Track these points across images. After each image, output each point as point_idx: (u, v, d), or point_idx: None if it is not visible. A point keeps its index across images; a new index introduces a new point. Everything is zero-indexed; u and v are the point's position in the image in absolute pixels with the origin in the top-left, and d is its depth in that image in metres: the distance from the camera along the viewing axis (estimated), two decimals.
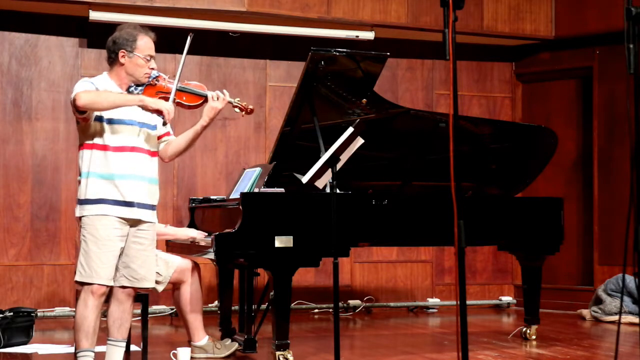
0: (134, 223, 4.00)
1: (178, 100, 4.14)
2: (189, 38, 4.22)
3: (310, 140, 4.93)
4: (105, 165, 3.93)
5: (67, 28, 7.24)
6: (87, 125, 3.96)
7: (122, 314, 4.07)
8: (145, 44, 4.05)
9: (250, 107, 4.46)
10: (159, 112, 3.97)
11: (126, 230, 3.98)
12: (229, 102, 4.32)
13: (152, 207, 4.07)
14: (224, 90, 4.30)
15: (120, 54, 4.01)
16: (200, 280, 5.12)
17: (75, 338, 3.99)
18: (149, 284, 4.09)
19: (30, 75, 7.16)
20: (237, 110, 4.42)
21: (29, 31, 7.18)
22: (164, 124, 4.10)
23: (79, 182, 4.00)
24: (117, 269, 3.99)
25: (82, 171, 3.99)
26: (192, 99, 4.21)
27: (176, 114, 6.06)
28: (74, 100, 3.84)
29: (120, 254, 3.98)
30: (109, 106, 3.90)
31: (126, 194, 3.95)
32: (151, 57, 4.07)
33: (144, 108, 3.96)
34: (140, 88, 4.07)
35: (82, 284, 3.93)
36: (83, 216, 3.95)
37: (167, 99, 4.07)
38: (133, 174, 3.97)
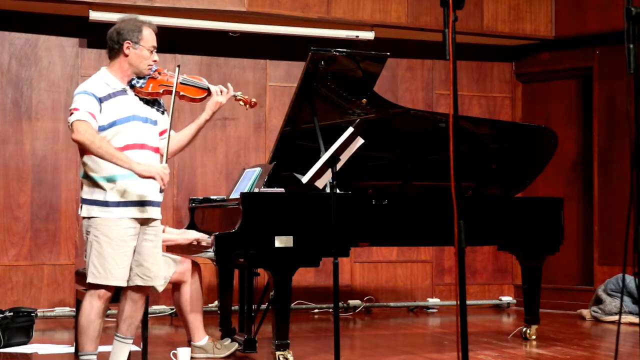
0: (144, 221, 3.97)
1: (182, 94, 4.13)
2: (177, 70, 4.07)
3: (310, 140, 4.93)
4: (113, 166, 3.84)
5: (67, 28, 7.24)
6: None
7: (135, 312, 4.04)
8: (150, 35, 4.02)
9: (254, 100, 4.47)
10: (152, 178, 3.86)
11: (137, 229, 3.95)
12: (233, 96, 4.33)
13: (159, 204, 4.05)
14: (228, 84, 4.31)
15: (125, 45, 3.96)
16: (200, 280, 5.12)
17: (78, 340, 3.95)
18: (160, 280, 4.10)
19: (30, 75, 7.16)
20: (241, 103, 4.44)
21: (29, 31, 7.18)
22: (161, 191, 3.94)
23: (85, 181, 3.92)
24: (130, 268, 3.95)
25: (88, 172, 3.91)
26: (196, 92, 4.21)
27: (176, 110, 6.06)
28: (73, 128, 3.77)
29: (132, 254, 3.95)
30: (98, 155, 3.79)
31: (138, 193, 3.90)
32: (155, 48, 4.04)
33: (138, 175, 3.84)
34: (142, 81, 4.03)
35: (97, 286, 3.87)
36: (92, 217, 3.88)
37: (170, 92, 4.05)
38: None
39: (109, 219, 3.87)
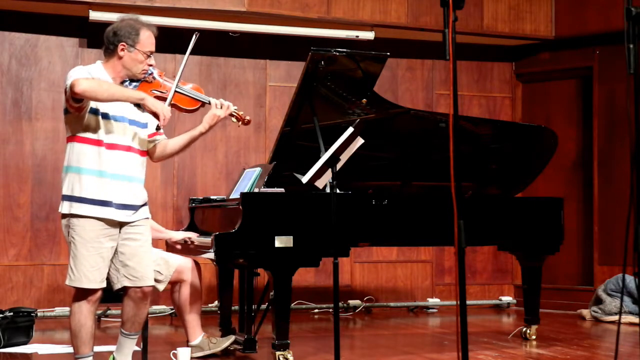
0: (122, 223, 3.88)
1: (174, 103, 4.01)
2: (193, 37, 4.05)
3: (310, 140, 4.93)
4: (97, 162, 3.79)
5: (67, 28, 7.24)
6: (80, 116, 3.79)
7: (138, 311, 3.97)
8: (148, 38, 3.90)
9: (247, 117, 4.33)
10: (155, 115, 3.84)
11: (116, 230, 3.85)
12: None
13: (140, 207, 3.94)
14: (228, 102, 4.19)
15: (120, 47, 3.85)
16: (200, 280, 5.11)
17: (73, 344, 3.91)
18: (149, 281, 3.95)
19: (30, 75, 7.17)
20: (233, 120, 4.28)
21: (29, 31, 7.18)
22: (158, 128, 3.94)
23: (66, 176, 3.84)
24: (116, 269, 3.89)
25: (70, 165, 3.82)
26: (189, 103, 4.09)
27: (175, 114, 6.00)
28: (73, 85, 3.64)
29: (115, 254, 3.87)
30: (108, 98, 3.73)
31: (115, 196, 3.82)
32: (151, 53, 3.92)
33: (143, 106, 3.84)
34: (135, 84, 3.93)
35: (83, 289, 3.81)
36: (71, 214, 3.79)
37: (162, 99, 3.95)
38: (124, 175, 3.84)
39: (84, 219, 3.78)
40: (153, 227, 4.82)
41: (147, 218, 4.02)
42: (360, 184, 5.65)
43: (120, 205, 3.85)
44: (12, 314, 5.54)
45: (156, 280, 4.38)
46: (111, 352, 4.19)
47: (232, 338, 5.10)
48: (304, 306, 7.56)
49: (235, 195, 5.12)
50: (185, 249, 5.19)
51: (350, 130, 4.30)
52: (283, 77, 7.80)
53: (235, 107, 4.29)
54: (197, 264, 5.14)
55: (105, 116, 3.83)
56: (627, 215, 2.80)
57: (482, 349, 5.43)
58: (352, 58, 4.98)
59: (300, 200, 4.78)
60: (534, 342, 5.73)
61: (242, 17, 7.25)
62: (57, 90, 7.16)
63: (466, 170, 5.70)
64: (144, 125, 3.99)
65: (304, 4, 7.36)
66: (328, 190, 4.52)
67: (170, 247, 5.38)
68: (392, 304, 7.94)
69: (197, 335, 5.04)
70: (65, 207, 3.83)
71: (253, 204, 4.68)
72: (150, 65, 3.95)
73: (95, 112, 3.81)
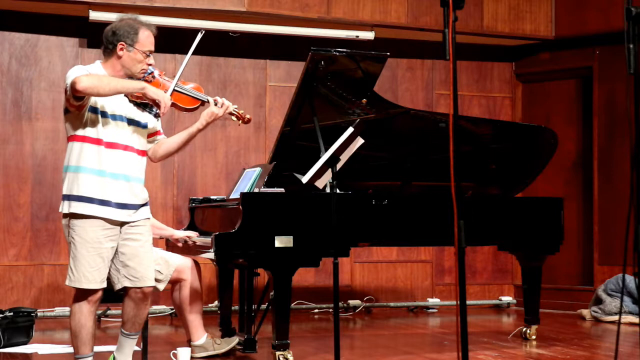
0: (123, 223, 3.88)
1: (174, 102, 4.01)
2: (199, 35, 4.02)
3: (310, 140, 4.93)
4: (97, 161, 3.79)
5: (67, 28, 7.25)
6: (80, 115, 3.79)
7: (138, 312, 3.97)
8: (147, 38, 3.90)
9: (248, 116, 4.33)
10: (156, 103, 3.82)
11: (116, 230, 3.85)
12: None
13: (141, 207, 3.94)
14: (228, 101, 4.18)
15: (119, 47, 3.85)
16: (200, 280, 5.11)
17: (73, 344, 3.91)
18: (150, 282, 3.96)
19: (30, 75, 7.17)
20: (233, 118, 4.28)
21: (29, 31, 7.18)
22: (157, 115, 3.92)
23: (65, 175, 3.84)
24: (117, 269, 3.89)
25: (70, 164, 3.82)
26: (188, 102, 4.08)
27: (175, 114, 5.99)
28: (74, 84, 3.63)
29: (116, 254, 3.87)
30: (110, 91, 3.72)
31: (115, 195, 3.81)
32: (151, 52, 3.92)
33: (144, 95, 3.80)
34: None
35: (83, 289, 3.81)
36: (71, 214, 3.79)
37: None
38: (124, 174, 3.84)
39: (84, 219, 3.78)
40: (154, 225, 4.83)
41: (148, 218, 4.02)
42: (360, 184, 5.65)
43: (120, 205, 3.85)
44: (12, 314, 5.54)
45: (156, 280, 4.38)
46: (111, 352, 4.19)
47: (236, 339, 5.10)
48: (304, 306, 7.57)
49: (235, 195, 5.12)
50: (186, 248, 5.19)
51: (350, 130, 4.30)
52: (283, 77, 7.80)
53: (235, 106, 4.28)
54: (197, 263, 5.14)
55: (104, 115, 3.83)
56: (627, 215, 2.80)
57: (482, 349, 5.43)
58: (352, 58, 4.98)
59: (300, 200, 4.78)
60: (534, 342, 5.73)
61: (242, 17, 7.25)
62: (57, 90, 7.16)
63: (466, 170, 5.70)
64: (144, 125, 3.98)
65: (304, 4, 7.36)
66: (328, 190, 4.52)
67: (171, 245, 5.39)
68: (392, 304, 7.94)
69: (200, 335, 5.05)
70: (65, 207, 3.83)
71: (253, 204, 4.68)
72: (150, 64, 3.94)
73: (94, 110, 3.82)
